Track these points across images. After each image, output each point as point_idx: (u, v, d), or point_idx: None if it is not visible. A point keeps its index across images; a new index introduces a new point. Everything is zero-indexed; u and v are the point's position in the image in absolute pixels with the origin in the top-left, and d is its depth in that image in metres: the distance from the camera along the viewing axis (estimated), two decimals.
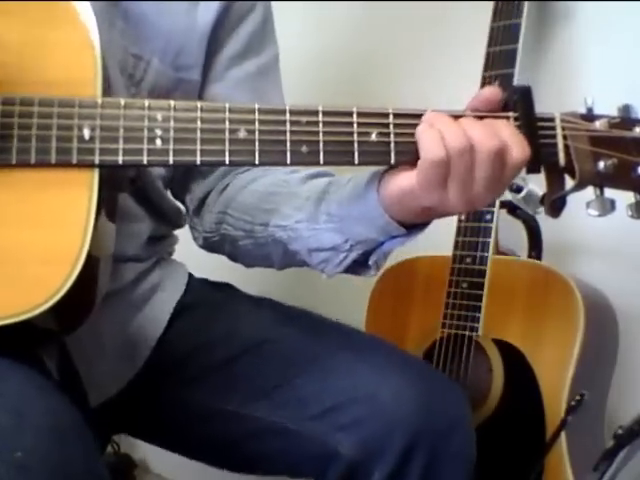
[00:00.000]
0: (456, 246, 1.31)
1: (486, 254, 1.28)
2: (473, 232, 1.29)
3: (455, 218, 1.31)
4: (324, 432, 0.98)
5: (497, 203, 1.28)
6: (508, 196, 1.21)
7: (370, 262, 0.91)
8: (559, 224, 1.38)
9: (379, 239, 0.88)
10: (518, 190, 1.18)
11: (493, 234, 1.28)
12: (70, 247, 0.77)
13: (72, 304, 0.78)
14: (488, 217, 1.28)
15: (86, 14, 0.81)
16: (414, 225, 0.86)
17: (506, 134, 0.80)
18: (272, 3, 1.15)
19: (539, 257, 1.32)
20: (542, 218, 1.29)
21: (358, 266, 0.92)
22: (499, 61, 1.31)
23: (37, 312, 0.76)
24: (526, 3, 1.32)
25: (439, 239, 1.33)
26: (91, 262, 0.78)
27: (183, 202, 1.15)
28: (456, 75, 1.48)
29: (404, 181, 0.82)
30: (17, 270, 0.77)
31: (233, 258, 1.10)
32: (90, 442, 0.77)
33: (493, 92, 0.84)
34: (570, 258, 1.41)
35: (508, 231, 1.33)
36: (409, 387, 0.97)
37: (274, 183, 1.03)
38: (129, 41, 1.00)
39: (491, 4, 1.35)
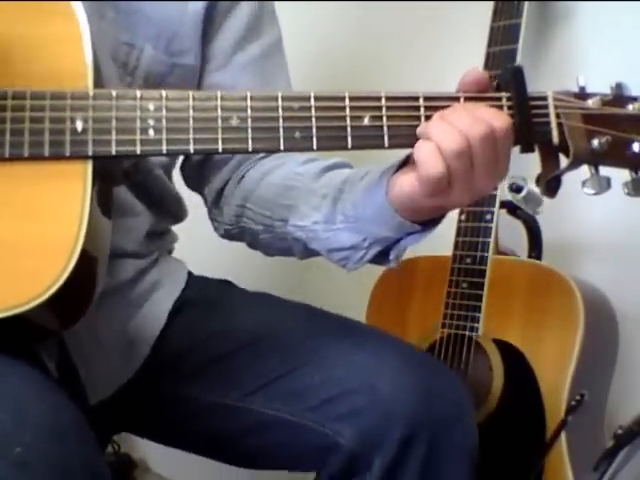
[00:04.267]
0: (456, 246, 1.31)
1: (486, 254, 1.27)
2: (473, 232, 1.29)
3: (455, 218, 1.31)
4: (323, 423, 0.98)
5: (497, 203, 1.28)
6: (508, 196, 1.21)
7: (391, 257, 0.91)
8: (559, 224, 1.39)
9: (396, 237, 0.89)
10: (518, 190, 1.18)
11: (493, 234, 1.28)
12: (65, 239, 0.77)
13: (69, 297, 0.78)
14: (488, 217, 1.28)
15: (76, 8, 0.81)
16: (428, 220, 0.87)
17: (486, 114, 0.80)
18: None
19: (539, 257, 1.32)
20: (542, 218, 1.29)
21: (378, 258, 0.93)
22: (499, 61, 1.31)
23: (33, 305, 0.76)
24: (526, 3, 1.32)
25: (439, 239, 1.33)
26: (87, 254, 0.78)
27: (201, 194, 1.15)
28: (456, 75, 1.47)
29: (407, 189, 0.83)
30: (13, 263, 0.77)
31: (253, 248, 1.11)
32: (90, 439, 0.77)
33: (479, 73, 0.84)
34: (570, 258, 1.41)
35: (508, 231, 1.33)
36: (408, 376, 0.96)
37: (290, 177, 1.03)
38: (121, 30, 1.00)
39: (491, 4, 1.35)
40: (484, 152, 0.79)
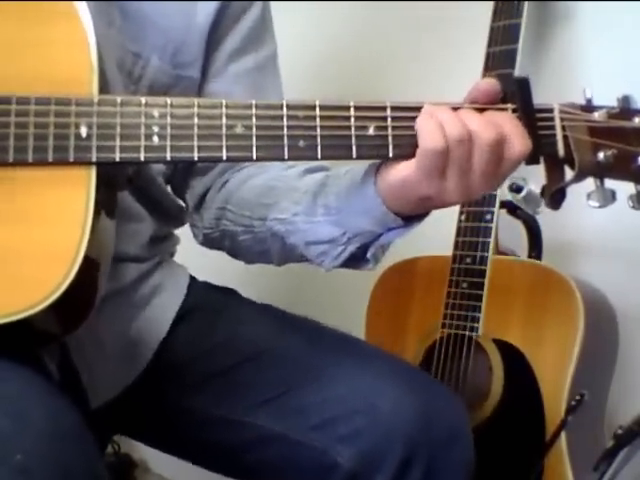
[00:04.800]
0: (456, 246, 1.31)
1: (486, 254, 1.27)
2: (473, 232, 1.29)
3: (455, 218, 1.31)
4: (324, 443, 0.98)
5: (497, 203, 1.28)
6: (508, 196, 1.21)
7: (368, 255, 0.91)
8: (559, 224, 1.39)
9: (377, 231, 0.88)
10: (518, 190, 1.18)
11: (493, 234, 1.28)
12: (68, 245, 0.77)
13: (71, 303, 0.78)
14: (488, 217, 1.28)
15: (82, 13, 0.81)
16: (411, 217, 0.86)
17: (508, 127, 0.80)
18: (272, 3, 1.15)
19: (539, 257, 1.32)
20: (542, 218, 1.29)
21: (356, 260, 0.92)
22: (499, 61, 1.31)
23: (36, 310, 0.75)
24: (526, 3, 1.31)
25: (439, 239, 1.33)
26: (90, 260, 0.78)
27: (183, 199, 1.15)
28: (456, 75, 1.47)
29: (402, 171, 0.82)
30: (16, 268, 0.77)
31: (233, 254, 1.10)
32: (91, 445, 0.77)
33: (491, 83, 0.84)
34: (570, 258, 1.41)
35: (508, 231, 1.33)
36: (408, 397, 0.97)
37: (273, 178, 1.03)
38: (128, 39, 1.00)
39: (491, 4, 1.35)
40: (487, 157, 0.79)
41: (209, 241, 1.12)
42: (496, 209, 1.28)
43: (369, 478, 0.96)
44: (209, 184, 1.10)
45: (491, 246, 1.27)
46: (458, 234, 1.31)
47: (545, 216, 1.22)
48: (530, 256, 1.32)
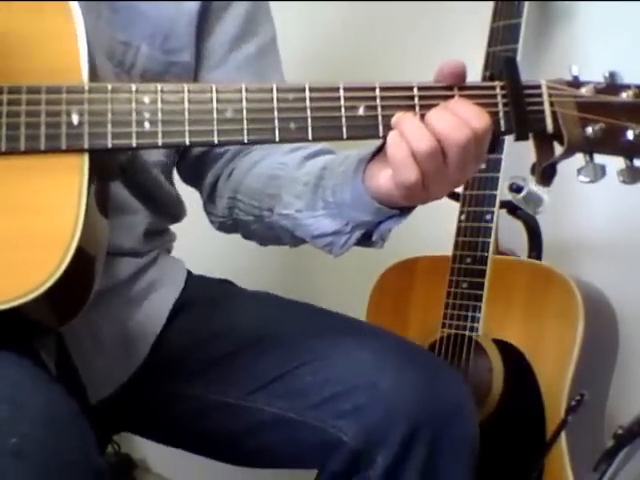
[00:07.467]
0: (456, 246, 1.31)
1: (486, 254, 1.27)
2: (473, 232, 1.29)
3: (455, 218, 1.31)
4: (325, 421, 0.98)
5: (497, 203, 1.28)
6: (508, 196, 1.21)
7: (374, 238, 0.92)
8: (559, 224, 1.39)
9: (376, 220, 0.90)
10: (518, 190, 1.18)
11: (493, 234, 1.28)
12: (62, 232, 0.77)
13: (66, 291, 0.78)
14: (488, 217, 1.28)
15: (71, 6, 0.82)
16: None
17: (463, 112, 0.80)
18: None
19: (539, 257, 1.32)
20: (542, 218, 1.29)
21: (365, 240, 0.94)
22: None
23: (31, 297, 0.76)
24: (526, 3, 1.32)
25: (439, 239, 1.33)
26: (84, 247, 0.78)
27: (198, 189, 1.17)
28: None
29: (384, 185, 0.84)
30: (10, 256, 0.77)
31: (247, 238, 1.13)
32: (87, 432, 0.78)
33: (453, 65, 0.84)
34: (570, 258, 1.41)
35: (508, 231, 1.33)
36: (409, 373, 0.97)
37: (275, 166, 1.04)
38: (117, 29, 1.01)
39: (491, 4, 1.35)
40: (463, 156, 0.80)
41: (224, 228, 1.14)
42: (496, 209, 1.28)
43: (372, 455, 0.95)
44: (219, 173, 1.12)
45: (491, 246, 1.27)
46: (458, 234, 1.31)
47: (545, 216, 1.22)
48: (530, 256, 1.32)
